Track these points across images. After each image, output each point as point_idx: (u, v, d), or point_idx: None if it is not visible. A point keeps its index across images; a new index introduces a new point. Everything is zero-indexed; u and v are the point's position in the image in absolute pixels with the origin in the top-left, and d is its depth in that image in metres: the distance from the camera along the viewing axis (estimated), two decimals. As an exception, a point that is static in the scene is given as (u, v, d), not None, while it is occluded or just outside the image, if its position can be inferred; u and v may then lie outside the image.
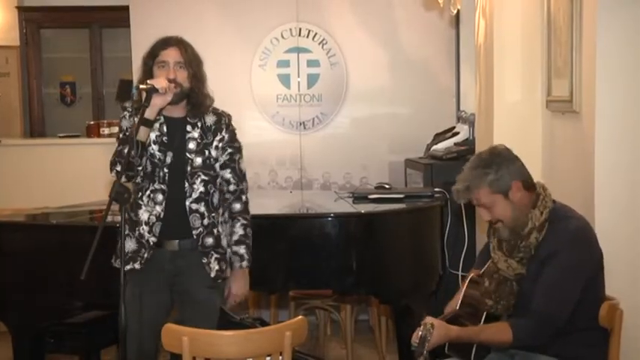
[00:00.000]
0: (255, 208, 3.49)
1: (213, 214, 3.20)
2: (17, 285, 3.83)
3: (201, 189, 3.18)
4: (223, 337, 2.69)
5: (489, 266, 2.93)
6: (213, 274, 3.19)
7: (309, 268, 3.80)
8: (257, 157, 5.53)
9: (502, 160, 2.79)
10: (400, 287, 3.93)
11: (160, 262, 3.18)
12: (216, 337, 2.69)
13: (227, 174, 3.24)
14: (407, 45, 5.68)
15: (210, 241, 3.19)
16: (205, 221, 3.18)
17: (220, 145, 3.21)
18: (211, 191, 3.20)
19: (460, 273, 4.43)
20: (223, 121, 3.23)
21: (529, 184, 2.81)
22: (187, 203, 3.16)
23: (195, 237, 3.17)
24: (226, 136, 3.23)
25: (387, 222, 3.98)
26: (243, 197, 3.28)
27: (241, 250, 3.24)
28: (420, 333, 2.63)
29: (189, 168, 3.17)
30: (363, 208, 4.07)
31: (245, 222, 3.27)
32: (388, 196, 4.33)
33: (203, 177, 3.18)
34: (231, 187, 3.25)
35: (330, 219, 3.86)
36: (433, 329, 2.64)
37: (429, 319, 2.70)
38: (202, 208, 3.18)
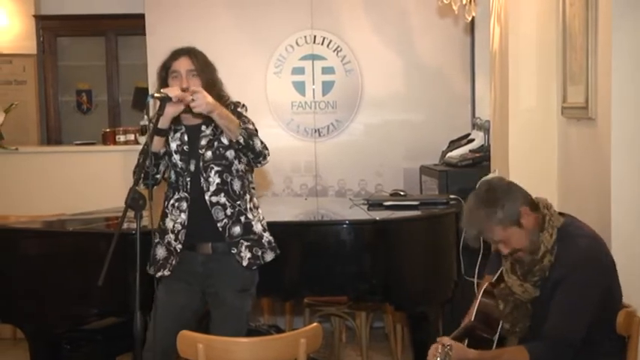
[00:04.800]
0: (270, 216, 3.49)
1: (237, 202, 3.21)
2: (34, 292, 3.85)
3: (217, 180, 3.20)
4: (238, 344, 2.70)
5: (502, 288, 2.89)
6: (245, 263, 3.20)
7: (324, 275, 3.78)
8: (271, 164, 5.43)
9: (502, 194, 2.75)
10: (415, 294, 3.91)
11: (191, 265, 3.22)
12: (231, 344, 2.69)
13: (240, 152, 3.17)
14: (422, 52, 5.68)
15: (237, 230, 3.21)
16: (228, 211, 3.20)
17: None
18: (228, 180, 3.22)
19: (476, 280, 4.39)
20: (230, 108, 3.20)
21: (534, 205, 2.79)
22: (207, 197, 3.19)
23: (221, 229, 3.19)
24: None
25: (403, 229, 3.96)
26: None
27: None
28: (438, 357, 2.60)
29: (201, 163, 3.19)
30: (378, 215, 4.05)
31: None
32: (403, 203, 4.32)
33: (216, 168, 3.20)
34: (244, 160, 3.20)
35: (345, 226, 3.85)
36: (452, 351, 2.62)
37: (445, 340, 2.67)
38: (223, 199, 3.20)
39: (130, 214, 2.76)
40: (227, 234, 3.20)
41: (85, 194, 5.59)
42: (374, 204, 4.37)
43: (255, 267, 3.25)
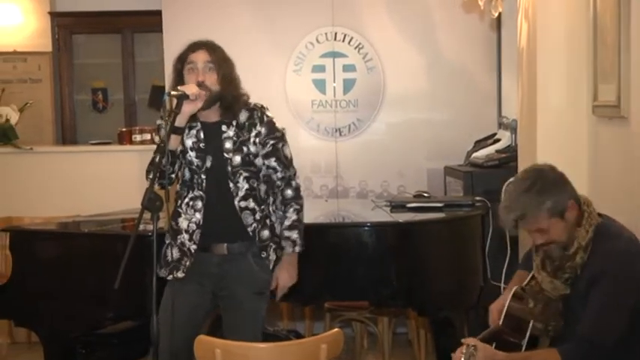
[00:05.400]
0: (290, 218, 3.49)
1: (263, 206, 3.23)
2: (48, 294, 3.86)
3: (246, 186, 3.21)
4: (257, 349, 2.69)
5: (532, 285, 2.88)
6: (272, 266, 3.25)
7: (345, 279, 3.79)
8: None
9: (554, 183, 2.75)
10: (439, 299, 3.90)
11: (205, 266, 3.21)
12: (250, 350, 2.68)
13: (272, 162, 3.25)
14: (446, 49, 5.65)
15: (266, 233, 3.24)
16: (257, 215, 3.23)
17: (258, 139, 3.22)
18: (255, 185, 3.23)
19: (502, 285, 4.36)
20: (255, 115, 3.24)
21: (580, 201, 2.79)
22: (236, 202, 3.20)
23: (251, 234, 3.20)
24: (263, 130, 3.23)
25: (426, 232, 3.95)
26: (293, 183, 3.30)
27: (294, 235, 3.27)
28: (463, 358, 2.58)
29: (229, 168, 3.19)
30: (401, 217, 4.05)
31: (298, 207, 3.30)
32: (427, 205, 4.30)
33: (245, 174, 3.21)
34: (279, 175, 3.27)
35: (366, 228, 3.85)
36: (477, 352, 2.60)
37: (471, 340, 2.66)
38: (252, 204, 3.22)
39: (147, 215, 2.76)
40: (257, 238, 3.22)
41: (100, 195, 5.61)
42: (396, 206, 4.36)
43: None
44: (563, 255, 2.75)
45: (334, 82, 5.70)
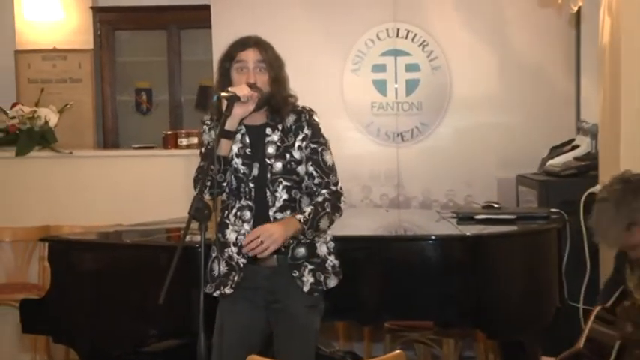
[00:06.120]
0: (347, 229, 3.50)
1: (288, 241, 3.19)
2: (88, 309, 3.92)
3: (285, 196, 3.21)
4: (312, 371, 2.69)
5: (626, 307, 2.84)
6: (306, 288, 3.21)
7: (407, 297, 3.77)
8: (349, 171, 5.51)
9: None
10: (510, 320, 3.87)
11: (254, 279, 3.23)
12: (304, 372, 2.69)
13: (309, 167, 3.24)
14: (519, 46, 5.61)
15: (301, 251, 3.22)
16: None
17: (303, 144, 3.23)
18: (297, 197, 3.23)
19: (581, 306, 4.32)
20: (303, 117, 3.25)
21: None
22: (271, 213, 3.20)
23: (284, 249, 3.19)
24: (309, 133, 3.24)
25: (496, 246, 3.92)
26: (333, 188, 3.24)
27: (308, 209, 3.17)
28: None
29: (269, 175, 3.20)
30: (469, 230, 4.04)
31: (328, 197, 3.20)
32: (497, 217, 4.28)
33: (285, 183, 3.21)
34: (316, 181, 3.24)
35: (431, 242, 3.82)
36: None
37: None
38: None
39: (194, 225, 2.78)
40: (290, 254, 3.21)
41: (144, 203, 5.67)
42: (464, 217, 4.34)
43: (316, 293, 3.25)
44: None
45: (396, 82, 5.69)
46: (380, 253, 3.78)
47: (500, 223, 4.20)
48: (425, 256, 3.78)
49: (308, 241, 3.21)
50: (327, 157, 3.27)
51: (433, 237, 3.88)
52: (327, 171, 3.25)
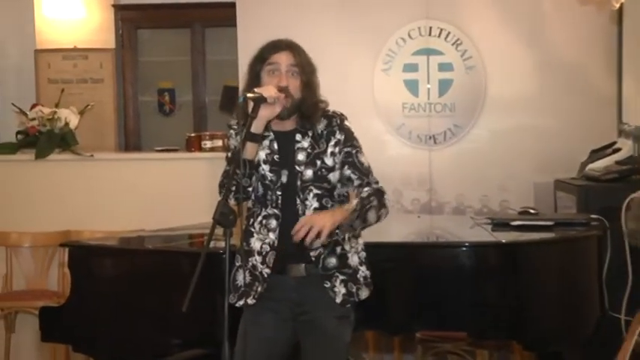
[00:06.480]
0: (377, 236, 3.49)
1: (335, 231, 3.19)
2: (108, 317, 3.94)
3: (315, 204, 3.21)
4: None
5: None
6: (339, 300, 3.21)
7: (440, 306, 3.77)
8: (379, 175, 5.39)
9: None
10: (548, 331, 3.84)
11: (281, 290, 3.23)
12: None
13: (346, 171, 3.25)
14: (557, 45, 5.59)
15: (332, 261, 3.22)
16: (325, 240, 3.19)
17: (337, 149, 3.23)
18: (328, 206, 3.23)
19: (623, 317, 4.29)
20: (334, 122, 3.26)
21: None
22: None
23: (314, 259, 3.20)
24: (342, 138, 3.25)
25: (533, 254, 3.89)
26: (375, 186, 3.24)
27: (354, 201, 3.17)
28: None
29: (299, 182, 3.21)
30: (504, 236, 4.03)
31: (372, 192, 3.20)
32: (534, 224, 4.27)
33: (316, 191, 3.21)
34: (355, 183, 3.25)
35: (464, 249, 3.81)
36: None
37: None
38: None
39: (218, 230, 2.79)
40: (321, 264, 3.21)
41: (166, 207, 5.70)
42: (499, 224, 4.34)
43: (348, 305, 3.25)
44: None
45: (428, 82, 5.68)
46: (411, 260, 3.77)
47: (538, 230, 4.19)
48: (458, 263, 3.76)
49: (338, 252, 3.22)
50: (363, 159, 3.28)
51: (467, 244, 3.87)
52: (365, 172, 3.26)
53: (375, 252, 3.39)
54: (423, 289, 3.76)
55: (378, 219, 3.23)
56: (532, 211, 4.55)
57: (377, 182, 3.28)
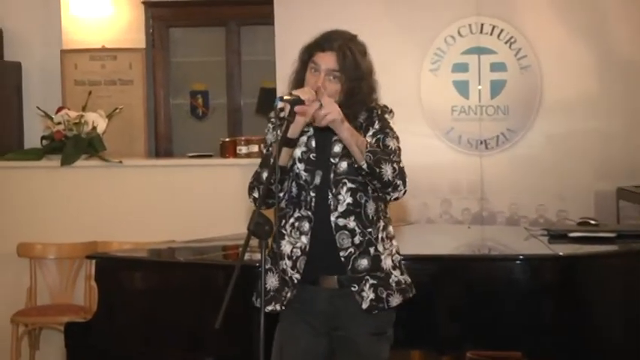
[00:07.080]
0: (424, 247, 3.49)
1: (368, 230, 3.18)
2: (138, 333, 3.97)
3: (349, 200, 3.18)
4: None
5: None
6: (365, 305, 3.17)
7: (492, 324, 3.76)
8: (426, 183, 5.52)
9: None
10: (612, 352, 3.82)
11: (314, 302, 3.22)
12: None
13: None
14: (618, 43, 5.56)
15: (364, 263, 3.17)
16: (357, 239, 3.17)
17: (373, 140, 3.16)
18: (362, 201, 3.19)
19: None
20: (375, 113, 3.23)
21: None
22: (332, 218, 3.17)
23: (343, 259, 3.17)
24: (378, 126, 3.20)
25: (594, 268, 3.88)
26: (395, 165, 3.10)
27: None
28: None
29: (332, 175, 3.18)
30: (562, 249, 3.99)
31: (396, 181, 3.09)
32: (595, 235, 4.24)
33: (349, 185, 3.17)
34: None
35: (519, 262, 3.81)
36: None
37: None
38: (352, 224, 3.17)
39: (253, 241, 2.79)
40: (350, 266, 3.18)
41: (199, 217, 5.71)
42: (556, 235, 4.31)
43: (375, 311, 3.21)
44: None
45: (479, 83, 5.68)
46: (461, 274, 3.78)
47: (598, 242, 4.16)
48: (512, 278, 3.76)
49: (372, 253, 3.17)
50: (390, 142, 3.18)
51: (521, 257, 3.87)
52: (388, 152, 3.15)
53: (423, 265, 3.39)
54: (474, 305, 3.75)
55: (392, 182, 3.05)
56: (592, 221, 4.53)
57: (400, 162, 3.15)
